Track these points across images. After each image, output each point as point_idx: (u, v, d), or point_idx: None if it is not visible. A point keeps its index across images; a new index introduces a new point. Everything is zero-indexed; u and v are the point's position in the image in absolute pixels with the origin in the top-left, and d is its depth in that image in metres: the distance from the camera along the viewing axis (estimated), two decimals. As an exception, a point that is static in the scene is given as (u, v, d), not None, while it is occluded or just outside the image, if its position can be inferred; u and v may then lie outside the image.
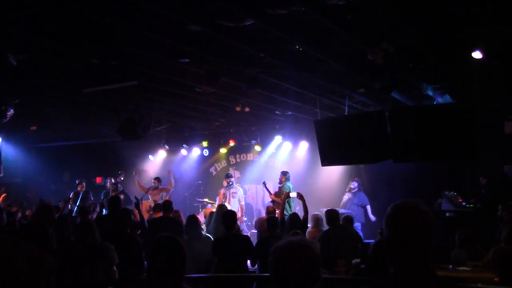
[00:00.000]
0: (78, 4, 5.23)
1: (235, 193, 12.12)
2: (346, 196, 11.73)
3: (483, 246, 6.98)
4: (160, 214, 9.03)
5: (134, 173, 13.82)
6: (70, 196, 12.91)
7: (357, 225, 11.42)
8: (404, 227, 2.03)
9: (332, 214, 7.67)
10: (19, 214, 10.27)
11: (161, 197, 12.56)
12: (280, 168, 12.89)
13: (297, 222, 7.32)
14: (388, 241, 2.08)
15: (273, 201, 11.06)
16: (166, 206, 8.24)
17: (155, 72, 7.92)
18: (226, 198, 12.05)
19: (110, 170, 14.68)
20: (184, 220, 8.24)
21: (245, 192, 13.15)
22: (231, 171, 14.45)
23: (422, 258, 2.02)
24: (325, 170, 11.40)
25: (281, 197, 10.78)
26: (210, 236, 7.26)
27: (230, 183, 12.28)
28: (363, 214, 11.56)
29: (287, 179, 11.14)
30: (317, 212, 9.33)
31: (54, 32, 6.05)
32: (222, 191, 12.31)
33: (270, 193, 11.40)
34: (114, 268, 4.92)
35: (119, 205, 7.77)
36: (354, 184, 11.67)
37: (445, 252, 7.22)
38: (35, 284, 1.39)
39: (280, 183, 11.22)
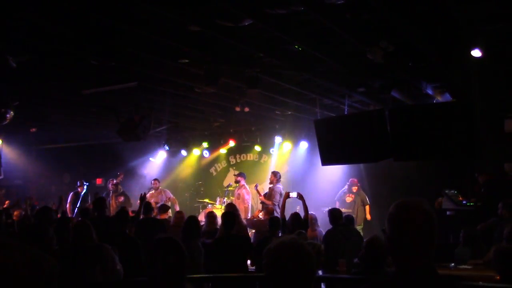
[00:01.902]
0: (77, 6, 5.23)
1: (239, 194, 12.06)
2: (350, 198, 11.67)
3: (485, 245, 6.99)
4: (165, 215, 9.07)
5: (119, 178, 13.56)
6: (70, 196, 12.90)
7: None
8: (406, 226, 2.03)
9: (335, 213, 7.60)
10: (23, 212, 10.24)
11: (164, 198, 12.47)
12: (280, 168, 12.88)
13: (298, 222, 7.32)
14: (390, 239, 2.08)
15: (262, 203, 11.00)
16: (146, 207, 8.35)
17: (155, 72, 7.93)
18: (239, 197, 12.00)
19: (110, 171, 14.68)
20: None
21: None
22: (231, 172, 14.44)
23: (423, 256, 2.02)
24: (325, 170, 11.38)
25: (271, 199, 10.75)
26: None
27: (235, 182, 12.25)
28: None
29: (278, 180, 11.11)
30: (312, 212, 9.32)
31: (53, 33, 6.06)
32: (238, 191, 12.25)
33: (260, 195, 11.33)
34: (117, 267, 4.90)
35: (104, 205, 7.90)
36: (354, 188, 11.63)
37: (446, 250, 7.22)
38: (35, 286, 1.38)
39: (270, 183, 11.18)
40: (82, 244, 4.83)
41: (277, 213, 9.91)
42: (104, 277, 4.71)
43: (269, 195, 10.90)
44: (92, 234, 4.91)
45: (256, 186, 11.86)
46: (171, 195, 12.77)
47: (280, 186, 10.96)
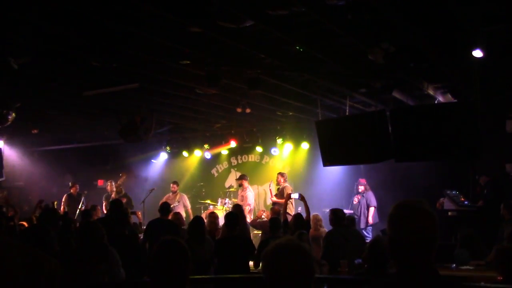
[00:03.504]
0: (78, 7, 5.24)
1: (243, 196, 12.05)
2: (356, 199, 11.65)
3: (486, 245, 6.97)
4: (168, 216, 9.05)
5: (121, 179, 13.46)
6: (63, 198, 12.87)
7: (369, 228, 11.37)
8: (406, 227, 2.03)
9: (339, 214, 7.54)
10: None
11: (178, 202, 12.38)
12: (281, 169, 12.87)
13: (301, 222, 7.33)
14: (391, 240, 2.08)
15: (274, 203, 11.00)
16: (164, 208, 8.27)
17: (156, 74, 7.93)
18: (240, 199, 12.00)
19: (112, 172, 14.68)
20: (184, 222, 8.27)
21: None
22: (233, 173, 14.43)
23: (424, 257, 2.02)
24: (326, 170, 11.38)
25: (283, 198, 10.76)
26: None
27: (238, 185, 12.25)
28: (375, 215, 11.48)
29: (286, 180, 11.15)
30: (315, 213, 9.33)
31: (55, 35, 6.07)
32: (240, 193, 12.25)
33: (272, 195, 11.36)
34: (121, 270, 4.90)
35: (121, 208, 7.75)
36: (361, 188, 11.61)
37: (447, 251, 7.21)
38: (35, 286, 1.39)
39: (278, 184, 11.20)
40: (89, 244, 4.79)
41: (290, 211, 9.96)
42: (109, 277, 4.71)
43: (281, 195, 10.88)
44: (103, 235, 4.87)
45: (270, 185, 11.83)
46: (187, 203, 12.68)
47: (288, 185, 10.98)
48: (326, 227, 8.97)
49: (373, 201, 11.44)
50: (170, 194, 12.66)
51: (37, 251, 1.45)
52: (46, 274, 1.42)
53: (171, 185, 12.85)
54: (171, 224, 8.03)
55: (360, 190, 11.61)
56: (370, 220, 11.35)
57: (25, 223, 8.53)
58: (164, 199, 12.01)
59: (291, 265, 2.12)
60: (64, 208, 12.45)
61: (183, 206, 12.33)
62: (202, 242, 6.50)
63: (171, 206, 10.11)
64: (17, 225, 8.39)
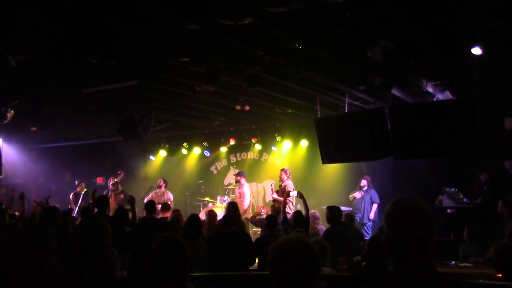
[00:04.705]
0: (77, 5, 5.23)
1: (240, 193, 12.05)
2: (359, 195, 11.65)
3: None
4: (167, 214, 9.12)
5: (120, 176, 13.53)
6: (70, 197, 12.94)
7: (369, 224, 11.40)
8: (403, 224, 2.02)
9: (336, 212, 7.54)
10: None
11: (165, 199, 12.45)
12: (281, 167, 12.88)
13: (300, 220, 7.34)
14: (388, 238, 2.08)
15: (274, 201, 11.00)
16: (149, 206, 8.38)
17: (155, 71, 7.92)
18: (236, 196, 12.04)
19: (110, 170, 14.69)
20: (183, 219, 8.30)
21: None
22: (232, 170, 14.43)
23: (422, 254, 2.01)
24: (325, 168, 11.38)
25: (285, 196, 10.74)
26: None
27: (235, 181, 12.26)
28: (377, 212, 11.50)
29: (288, 177, 11.13)
30: (313, 210, 9.34)
31: (53, 32, 6.05)
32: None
33: (273, 192, 11.36)
34: (118, 273, 4.89)
35: (106, 204, 7.84)
36: (363, 182, 11.62)
37: (447, 248, 7.22)
38: (36, 284, 1.39)
39: (281, 181, 11.19)
40: (92, 242, 4.76)
41: (290, 209, 9.95)
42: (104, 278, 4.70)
43: (282, 192, 10.86)
44: (108, 234, 4.81)
45: (271, 184, 11.84)
46: (171, 197, 12.74)
47: (290, 183, 10.96)
48: (324, 225, 8.98)
49: (377, 198, 11.47)
50: (157, 190, 12.71)
51: (37, 249, 1.45)
52: (46, 272, 1.42)
53: (159, 180, 12.88)
54: (158, 222, 8.16)
55: (362, 185, 11.61)
56: (371, 215, 11.36)
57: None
58: (150, 196, 12.09)
59: (297, 262, 2.13)
60: (71, 206, 12.54)
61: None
62: (192, 241, 6.49)
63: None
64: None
